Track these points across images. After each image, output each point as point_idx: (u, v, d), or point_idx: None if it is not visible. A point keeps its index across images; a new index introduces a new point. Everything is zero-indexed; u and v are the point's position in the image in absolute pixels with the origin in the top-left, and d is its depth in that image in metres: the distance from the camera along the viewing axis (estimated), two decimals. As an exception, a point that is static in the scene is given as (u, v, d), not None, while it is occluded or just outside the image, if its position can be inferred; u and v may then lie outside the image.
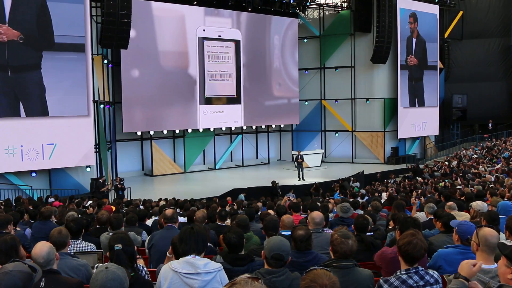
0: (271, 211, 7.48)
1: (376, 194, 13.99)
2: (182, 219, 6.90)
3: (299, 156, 20.58)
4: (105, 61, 18.37)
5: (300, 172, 20.18)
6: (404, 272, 3.00)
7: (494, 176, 14.40)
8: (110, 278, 2.45)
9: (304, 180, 19.87)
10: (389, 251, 3.88)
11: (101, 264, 2.90)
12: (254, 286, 1.82)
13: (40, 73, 14.54)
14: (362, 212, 7.68)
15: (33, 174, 14.83)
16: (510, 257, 2.35)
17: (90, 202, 11.07)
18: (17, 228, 6.09)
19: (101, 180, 15.34)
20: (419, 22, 25.81)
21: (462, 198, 8.09)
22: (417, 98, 26.01)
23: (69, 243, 3.96)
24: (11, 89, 14.09)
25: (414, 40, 25.80)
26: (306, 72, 26.44)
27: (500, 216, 4.81)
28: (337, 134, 26.40)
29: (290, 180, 19.79)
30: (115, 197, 15.44)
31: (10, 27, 13.91)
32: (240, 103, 23.33)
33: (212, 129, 22.99)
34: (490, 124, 29.19)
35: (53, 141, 14.79)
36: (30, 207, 8.70)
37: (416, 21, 25.86)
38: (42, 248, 3.14)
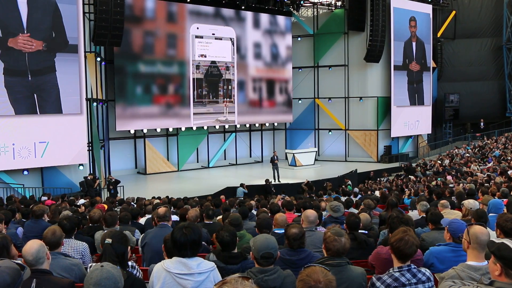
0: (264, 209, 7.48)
1: (369, 192, 14.01)
2: (175, 218, 6.88)
3: (275, 157, 20.03)
4: (98, 59, 18.27)
5: (276, 173, 19.68)
6: (397, 270, 3.02)
7: (486, 174, 14.51)
8: (104, 277, 2.44)
9: (279, 181, 19.37)
10: (384, 251, 3.88)
11: (95, 263, 2.88)
12: (244, 285, 1.83)
13: (51, 74, 14.73)
14: (355, 210, 7.67)
15: (25, 172, 14.71)
16: (496, 254, 2.39)
17: (82, 200, 10.98)
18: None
19: (89, 177, 15.21)
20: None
21: (452, 196, 8.14)
22: (411, 98, 26.11)
23: (62, 243, 3.89)
24: (6, 89, 14.03)
25: (414, 44, 25.88)
26: (300, 70, 26.47)
27: (491, 214, 4.85)
28: (330, 133, 26.46)
29: (284, 179, 19.76)
30: (108, 195, 15.38)
31: (29, 34, 14.03)
32: (233, 102, 23.32)
33: (205, 128, 22.96)
34: (482, 123, 29.41)
35: (45, 139, 14.69)
36: (22, 206, 8.62)
37: (417, 26, 25.98)
38: (32, 245, 3.07)
